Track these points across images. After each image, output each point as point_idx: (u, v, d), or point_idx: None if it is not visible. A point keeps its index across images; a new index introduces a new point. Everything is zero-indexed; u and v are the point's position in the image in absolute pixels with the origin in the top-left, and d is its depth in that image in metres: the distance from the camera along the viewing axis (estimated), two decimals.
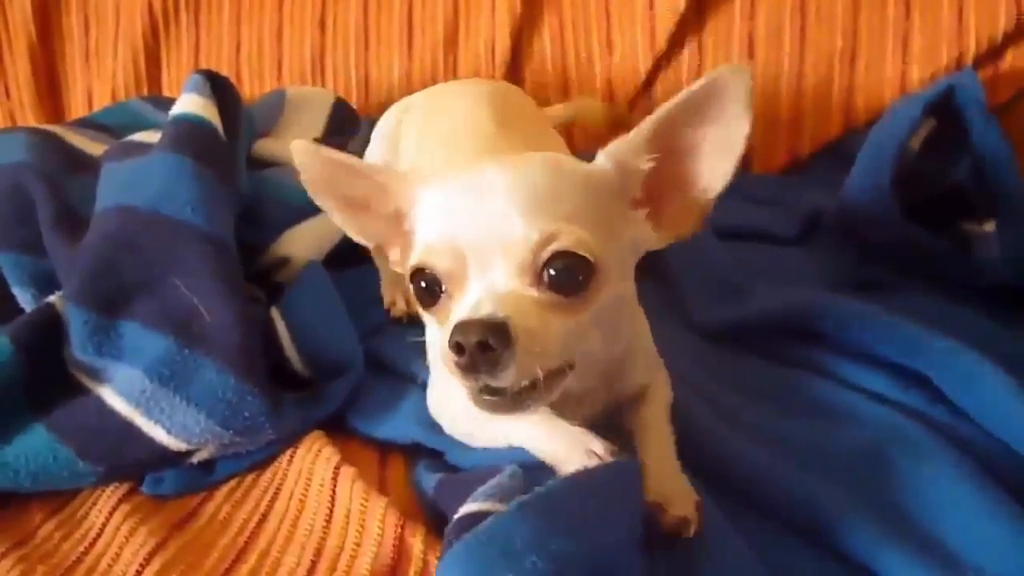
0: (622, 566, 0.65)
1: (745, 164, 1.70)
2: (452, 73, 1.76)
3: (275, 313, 1.05)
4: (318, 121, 1.51)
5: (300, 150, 0.81)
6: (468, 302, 0.69)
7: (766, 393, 0.97)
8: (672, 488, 0.75)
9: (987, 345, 0.92)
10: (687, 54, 1.69)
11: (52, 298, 1.02)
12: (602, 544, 0.64)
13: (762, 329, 1.08)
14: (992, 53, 1.58)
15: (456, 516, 0.70)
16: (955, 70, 1.55)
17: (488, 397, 0.69)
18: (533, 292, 0.69)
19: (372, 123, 1.53)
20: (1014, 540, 0.74)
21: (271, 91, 1.60)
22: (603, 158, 0.75)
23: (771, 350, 1.07)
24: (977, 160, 1.14)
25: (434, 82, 1.74)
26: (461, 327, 0.65)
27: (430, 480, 0.83)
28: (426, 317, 0.78)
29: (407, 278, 0.76)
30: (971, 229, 1.14)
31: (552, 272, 0.69)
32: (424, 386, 0.96)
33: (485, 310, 0.66)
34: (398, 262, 0.84)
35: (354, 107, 1.67)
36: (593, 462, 0.73)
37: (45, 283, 1.08)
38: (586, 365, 0.75)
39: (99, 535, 0.89)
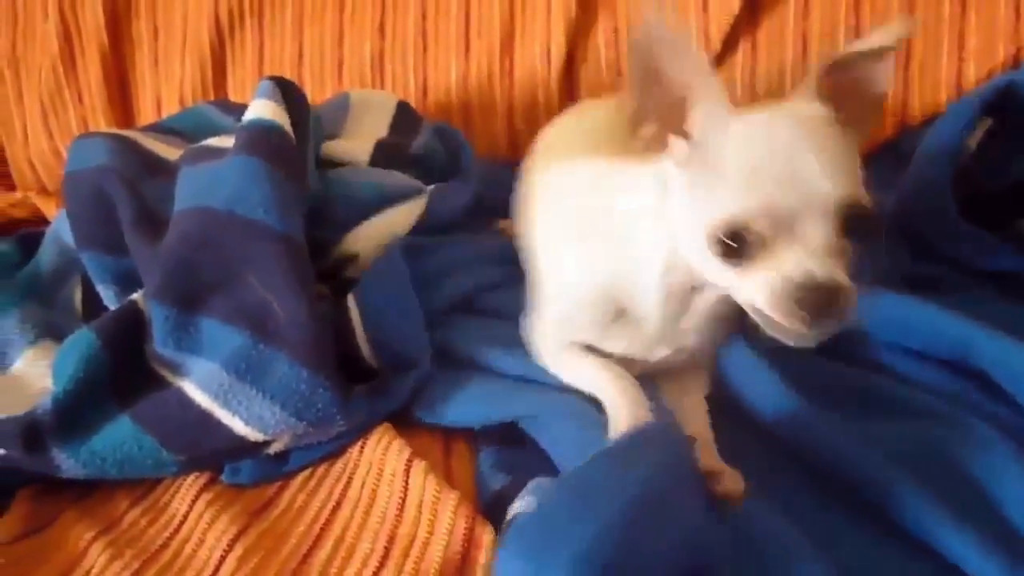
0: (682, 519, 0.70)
1: None
2: (508, 76, 1.78)
3: (351, 301, 1.08)
4: (382, 122, 1.54)
5: (648, 14, 0.80)
6: (792, 260, 0.75)
7: (820, 389, 0.97)
8: (719, 461, 0.82)
9: None
10: (741, 54, 1.69)
11: (134, 296, 1.07)
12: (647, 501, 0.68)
13: None
14: None
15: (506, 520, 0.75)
16: (1012, 67, 1.53)
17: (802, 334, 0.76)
18: (838, 249, 0.76)
19: (434, 125, 1.58)
20: None
21: (336, 95, 1.63)
22: (815, 102, 0.81)
23: (827, 345, 1.08)
24: None
25: (490, 85, 1.78)
26: (812, 288, 0.73)
27: (496, 480, 0.87)
28: (722, 266, 0.80)
29: (706, 225, 0.79)
30: None
31: (851, 227, 0.75)
32: (489, 371, 1.03)
33: (821, 273, 0.74)
34: (646, 141, 0.85)
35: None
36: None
37: (127, 281, 1.13)
38: None
39: (183, 522, 0.93)
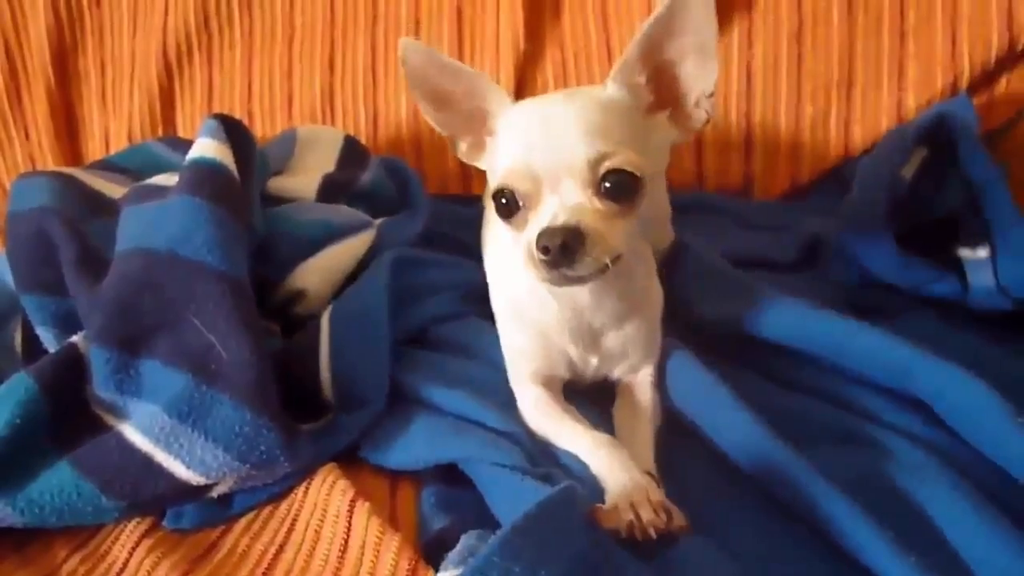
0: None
1: (746, 191, 1.74)
2: None
3: (324, 320, 1.09)
4: (330, 157, 1.54)
5: (405, 45, 0.94)
6: (546, 213, 0.85)
7: (765, 415, 0.99)
8: (636, 493, 0.83)
9: (984, 369, 0.94)
10: None
11: (75, 338, 1.05)
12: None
13: (762, 345, 1.11)
14: (987, 78, 1.60)
15: None
16: (951, 96, 1.58)
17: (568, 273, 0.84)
18: (596, 202, 0.85)
19: (382, 159, 1.58)
20: (1012, 563, 0.76)
21: (283, 131, 1.63)
22: (613, 84, 0.90)
23: (772, 370, 1.10)
24: (970, 187, 1.16)
25: None
26: (546, 233, 0.82)
27: (437, 520, 0.87)
28: (506, 228, 0.92)
29: (486, 196, 0.93)
30: (966, 255, 1.16)
31: (607, 185, 0.85)
32: (433, 408, 1.04)
33: (561, 219, 0.83)
34: (465, 152, 1.01)
35: (363, 143, 1.70)
36: (643, 512, 0.80)
37: (68, 324, 1.10)
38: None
39: (123, 569, 0.91)
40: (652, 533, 0.79)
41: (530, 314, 1.05)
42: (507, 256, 1.11)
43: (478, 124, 0.97)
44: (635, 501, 0.81)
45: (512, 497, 0.84)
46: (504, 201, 0.90)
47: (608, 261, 0.84)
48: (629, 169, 0.85)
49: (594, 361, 1.06)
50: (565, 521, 0.72)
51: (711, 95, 0.91)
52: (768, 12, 1.68)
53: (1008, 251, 1.10)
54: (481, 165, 1.01)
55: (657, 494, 0.84)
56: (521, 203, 0.89)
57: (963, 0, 1.59)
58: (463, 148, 1.01)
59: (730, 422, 0.94)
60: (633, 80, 0.90)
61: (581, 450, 0.94)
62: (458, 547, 0.77)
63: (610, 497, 0.85)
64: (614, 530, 0.79)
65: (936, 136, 1.21)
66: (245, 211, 1.12)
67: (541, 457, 0.95)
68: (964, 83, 1.60)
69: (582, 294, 0.98)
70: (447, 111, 0.98)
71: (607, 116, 0.87)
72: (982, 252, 1.12)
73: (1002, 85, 1.61)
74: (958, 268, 1.18)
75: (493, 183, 0.92)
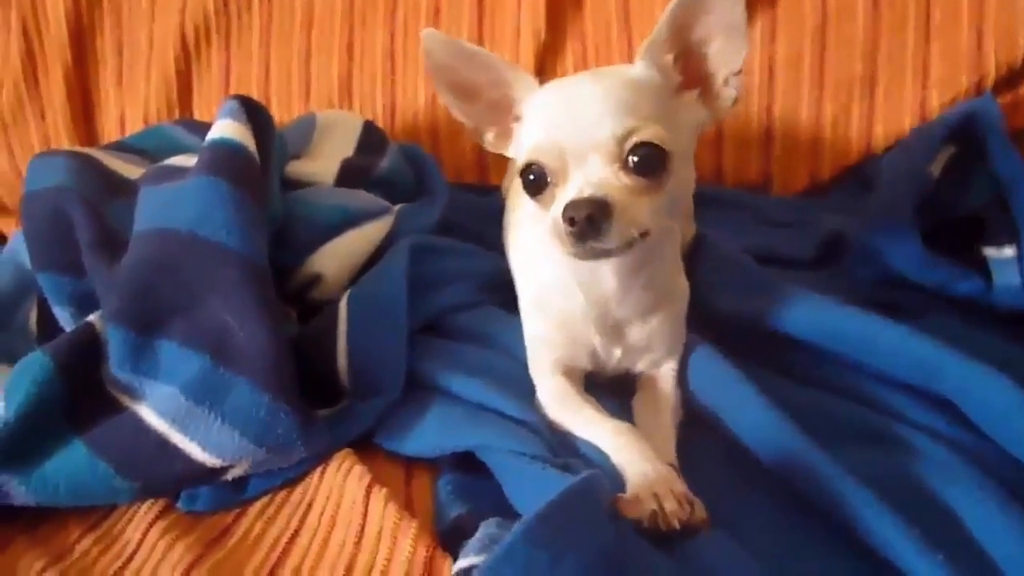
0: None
1: (765, 187, 1.72)
2: None
3: (342, 306, 1.09)
4: (348, 142, 1.52)
5: (429, 36, 0.94)
6: (572, 187, 0.85)
7: (791, 412, 0.97)
8: (659, 484, 0.82)
9: (1009, 369, 0.93)
10: None
11: (91, 317, 1.04)
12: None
13: (781, 341, 1.11)
14: (1011, 78, 1.59)
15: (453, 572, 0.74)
16: (975, 95, 1.56)
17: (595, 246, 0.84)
18: (623, 177, 0.85)
19: (401, 145, 1.57)
20: None
21: (302, 115, 1.62)
22: (641, 63, 0.90)
23: (791, 366, 1.09)
24: (996, 186, 1.15)
25: None
26: (572, 205, 0.82)
27: (453, 508, 0.86)
28: (534, 206, 0.93)
29: (516, 173, 0.92)
30: (991, 254, 1.14)
31: (635, 159, 0.84)
32: (450, 396, 1.03)
33: (588, 192, 0.83)
34: (491, 143, 1.02)
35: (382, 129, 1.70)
36: (667, 503, 0.80)
37: (84, 303, 1.10)
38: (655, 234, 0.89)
39: (136, 551, 0.91)
40: (676, 524, 0.78)
41: (555, 303, 1.04)
42: (532, 245, 1.11)
43: (503, 112, 0.98)
44: (658, 492, 0.80)
45: (532, 486, 0.83)
46: (532, 178, 0.90)
47: (636, 235, 0.84)
48: (656, 142, 0.84)
49: (617, 353, 1.05)
50: (590, 510, 0.72)
51: (739, 72, 0.91)
52: (792, 6, 1.67)
53: None
54: (508, 153, 1.01)
55: (680, 485, 0.83)
56: (548, 179, 0.89)
57: (990, 0, 1.58)
58: (489, 138, 1.01)
59: (756, 418, 0.93)
60: (661, 59, 0.90)
61: (602, 440, 0.93)
62: (478, 534, 0.76)
63: (631, 487, 0.84)
64: (636, 520, 0.78)
65: (964, 134, 1.20)
66: (265, 194, 1.12)
67: (560, 447, 0.94)
68: (989, 83, 1.58)
69: (608, 282, 0.98)
70: (472, 102, 0.98)
71: (635, 93, 0.87)
72: (1009, 251, 1.11)
73: None
74: (982, 267, 1.17)
75: (520, 162, 0.92)
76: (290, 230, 1.21)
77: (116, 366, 0.99)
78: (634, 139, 0.84)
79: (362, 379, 1.05)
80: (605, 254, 0.85)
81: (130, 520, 0.96)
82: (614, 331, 1.04)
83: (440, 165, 1.66)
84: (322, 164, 1.43)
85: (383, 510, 0.85)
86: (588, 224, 0.81)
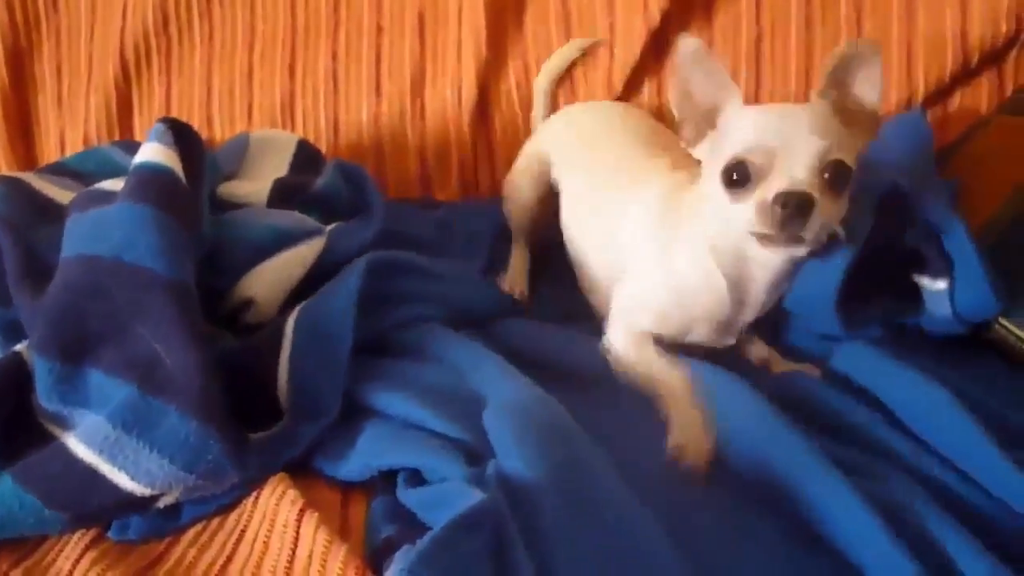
0: None
1: None
2: (420, 116, 1.79)
3: (289, 324, 1.08)
4: (283, 161, 1.52)
5: (687, 43, 1.07)
6: (779, 182, 0.99)
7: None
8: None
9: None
10: (645, 97, 1.76)
11: (18, 347, 1.03)
12: None
13: None
14: (940, 94, 1.65)
15: None
16: (906, 110, 1.61)
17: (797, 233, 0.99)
18: (818, 186, 0.99)
19: (337, 163, 1.55)
20: None
21: (235, 136, 1.61)
22: (821, 101, 1.06)
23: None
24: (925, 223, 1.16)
25: (402, 125, 1.78)
26: (787, 193, 0.97)
27: (384, 529, 0.87)
28: (728, 196, 1.05)
29: (720, 168, 1.05)
30: (926, 284, 1.17)
31: (827, 175, 1.00)
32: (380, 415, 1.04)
33: (799, 187, 0.98)
34: (688, 139, 1.15)
35: (319, 148, 1.69)
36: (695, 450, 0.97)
37: (13, 333, 1.08)
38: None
39: None
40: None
41: (695, 298, 1.17)
42: (666, 250, 1.22)
43: (708, 120, 1.12)
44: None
45: (440, 505, 0.85)
46: (736, 176, 1.03)
47: (824, 234, 1.01)
48: (847, 161, 1.01)
49: (728, 341, 1.23)
50: (473, 542, 0.75)
51: (878, 111, 1.08)
52: (728, 24, 1.71)
53: (967, 289, 1.13)
54: (696, 153, 1.15)
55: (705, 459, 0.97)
56: (752, 176, 1.01)
57: (919, 17, 1.63)
58: (689, 135, 1.14)
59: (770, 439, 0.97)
60: (829, 98, 1.06)
61: (673, 388, 1.06)
62: (393, 565, 0.76)
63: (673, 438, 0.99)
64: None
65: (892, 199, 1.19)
66: (193, 217, 1.11)
67: (483, 460, 0.93)
68: (919, 99, 1.64)
69: (760, 282, 1.14)
70: (688, 105, 1.12)
71: (830, 121, 1.03)
72: (941, 284, 1.14)
73: (956, 100, 1.66)
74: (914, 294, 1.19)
75: (725, 158, 1.04)
76: (221, 252, 1.19)
77: (43, 397, 0.98)
78: (831, 156, 0.99)
79: (300, 400, 1.04)
80: (798, 241, 1.00)
81: (61, 551, 0.94)
82: (725, 329, 1.21)
83: (385, 182, 1.67)
84: (255, 184, 1.41)
85: (314, 534, 0.84)
86: (796, 210, 0.96)
